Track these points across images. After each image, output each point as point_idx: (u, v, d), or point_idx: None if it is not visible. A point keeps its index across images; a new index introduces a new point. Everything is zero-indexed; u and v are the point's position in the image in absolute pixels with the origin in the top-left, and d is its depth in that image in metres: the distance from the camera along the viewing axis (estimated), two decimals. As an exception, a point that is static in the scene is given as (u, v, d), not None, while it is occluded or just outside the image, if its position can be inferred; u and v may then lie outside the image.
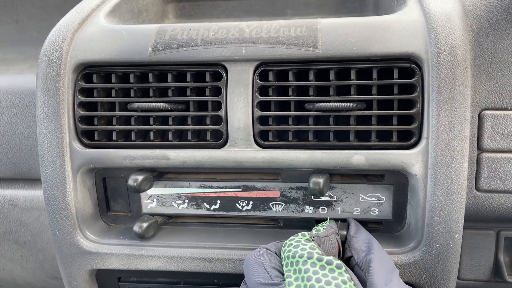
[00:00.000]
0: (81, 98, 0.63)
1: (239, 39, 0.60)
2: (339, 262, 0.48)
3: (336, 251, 0.55)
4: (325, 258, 0.48)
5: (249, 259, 0.53)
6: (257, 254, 0.53)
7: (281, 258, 0.52)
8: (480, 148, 0.62)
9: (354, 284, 0.46)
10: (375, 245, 0.55)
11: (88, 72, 0.63)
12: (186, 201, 0.66)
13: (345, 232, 0.58)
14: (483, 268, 0.73)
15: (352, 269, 0.53)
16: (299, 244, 0.51)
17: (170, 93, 0.62)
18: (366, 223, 0.64)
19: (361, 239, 0.56)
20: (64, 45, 0.63)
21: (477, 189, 0.64)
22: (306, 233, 0.54)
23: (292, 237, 0.53)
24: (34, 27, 1.13)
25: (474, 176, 0.63)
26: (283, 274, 0.50)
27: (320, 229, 0.57)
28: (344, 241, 0.58)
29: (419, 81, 0.56)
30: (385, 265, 0.52)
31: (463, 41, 0.56)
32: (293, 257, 0.49)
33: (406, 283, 0.59)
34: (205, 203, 0.66)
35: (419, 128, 0.57)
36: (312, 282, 0.45)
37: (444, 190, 0.56)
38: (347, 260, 0.56)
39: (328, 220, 0.60)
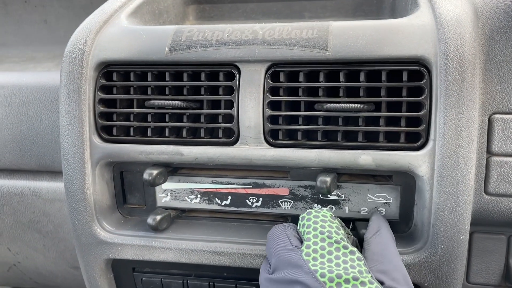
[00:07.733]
0: (101, 95, 0.66)
1: (252, 40, 0.62)
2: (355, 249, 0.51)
3: None
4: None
5: (273, 230, 0.57)
6: (282, 226, 0.57)
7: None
8: (489, 152, 0.62)
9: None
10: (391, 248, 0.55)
11: (109, 70, 0.66)
12: (199, 196, 0.69)
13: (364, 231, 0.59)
14: (493, 272, 0.73)
15: None
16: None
17: (185, 92, 0.64)
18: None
19: (377, 241, 0.56)
20: (87, 44, 0.67)
21: (486, 192, 0.64)
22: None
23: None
24: (61, 27, 1.18)
25: (483, 179, 0.63)
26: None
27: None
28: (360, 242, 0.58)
29: (428, 83, 0.57)
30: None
31: (472, 45, 0.57)
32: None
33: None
34: (216, 199, 0.68)
35: (427, 130, 0.58)
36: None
37: (450, 192, 0.57)
38: None
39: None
